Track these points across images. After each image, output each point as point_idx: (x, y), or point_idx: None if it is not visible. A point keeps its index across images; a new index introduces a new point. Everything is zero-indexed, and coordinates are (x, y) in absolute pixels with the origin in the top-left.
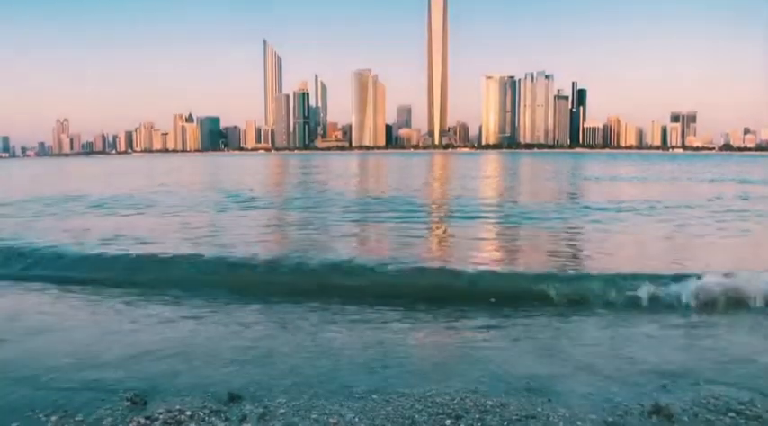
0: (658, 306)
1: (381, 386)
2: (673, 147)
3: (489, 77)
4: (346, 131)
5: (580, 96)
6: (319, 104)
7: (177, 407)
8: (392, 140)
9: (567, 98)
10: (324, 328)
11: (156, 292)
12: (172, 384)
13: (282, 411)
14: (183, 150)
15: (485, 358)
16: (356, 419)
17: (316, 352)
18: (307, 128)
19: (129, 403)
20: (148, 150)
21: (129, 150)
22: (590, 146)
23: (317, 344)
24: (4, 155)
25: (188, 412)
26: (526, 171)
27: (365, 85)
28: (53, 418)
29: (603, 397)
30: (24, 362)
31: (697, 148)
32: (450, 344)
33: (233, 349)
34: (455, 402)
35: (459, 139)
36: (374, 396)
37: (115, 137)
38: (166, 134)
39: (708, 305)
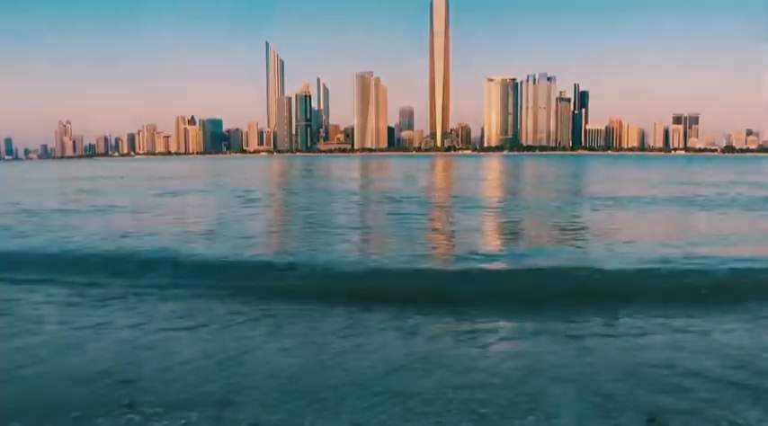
0: None
1: (376, 401)
2: (675, 149)
3: (491, 79)
4: (348, 133)
5: (582, 98)
6: (321, 107)
7: (173, 413)
8: (394, 142)
9: (569, 100)
10: (319, 334)
11: (152, 297)
12: (168, 389)
13: (277, 417)
14: (186, 152)
15: None
16: None
17: (309, 359)
18: (309, 131)
19: (125, 408)
20: (151, 153)
21: (132, 152)
22: (592, 148)
23: (311, 350)
24: (7, 157)
25: (183, 420)
26: (531, 187)
27: (367, 88)
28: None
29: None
30: (20, 365)
31: (699, 150)
32: None
33: (228, 355)
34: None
35: (461, 141)
36: (367, 407)
37: (118, 140)
38: (169, 136)
39: None
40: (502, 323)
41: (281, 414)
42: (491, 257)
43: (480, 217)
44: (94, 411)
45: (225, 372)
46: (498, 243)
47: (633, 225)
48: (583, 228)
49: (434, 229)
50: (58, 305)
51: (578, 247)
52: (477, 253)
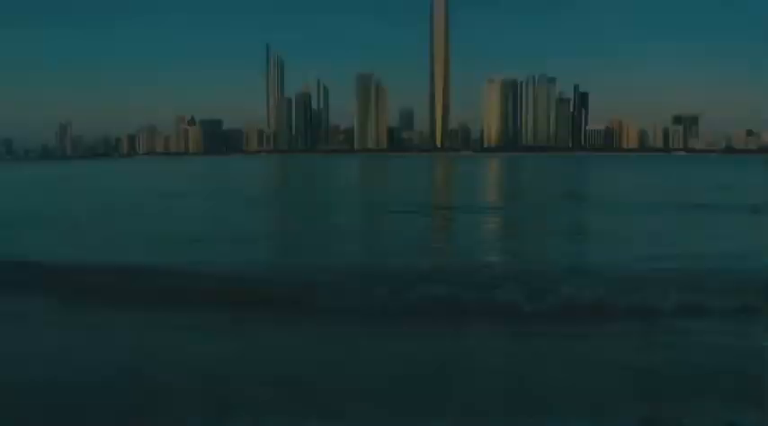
0: None
1: (376, 402)
2: (675, 150)
3: (491, 80)
4: (348, 134)
5: (582, 99)
6: (321, 107)
7: (173, 413)
8: (394, 143)
9: (568, 101)
10: (319, 336)
11: (152, 298)
12: (169, 390)
13: (277, 418)
14: (186, 153)
15: None
16: None
17: (308, 360)
18: (309, 131)
19: (127, 408)
20: (151, 153)
21: (132, 153)
22: (592, 149)
23: (311, 352)
24: (7, 157)
25: (183, 421)
26: (531, 189)
27: (367, 88)
28: None
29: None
30: (21, 365)
31: (699, 150)
32: None
33: (229, 357)
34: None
35: (461, 142)
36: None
37: (118, 140)
38: (169, 136)
39: None
40: (499, 325)
41: (281, 415)
42: (491, 258)
43: (480, 219)
44: (95, 411)
45: (225, 373)
46: (498, 244)
47: (632, 227)
48: (582, 231)
49: (433, 231)
50: (59, 306)
51: (577, 248)
52: (475, 255)
